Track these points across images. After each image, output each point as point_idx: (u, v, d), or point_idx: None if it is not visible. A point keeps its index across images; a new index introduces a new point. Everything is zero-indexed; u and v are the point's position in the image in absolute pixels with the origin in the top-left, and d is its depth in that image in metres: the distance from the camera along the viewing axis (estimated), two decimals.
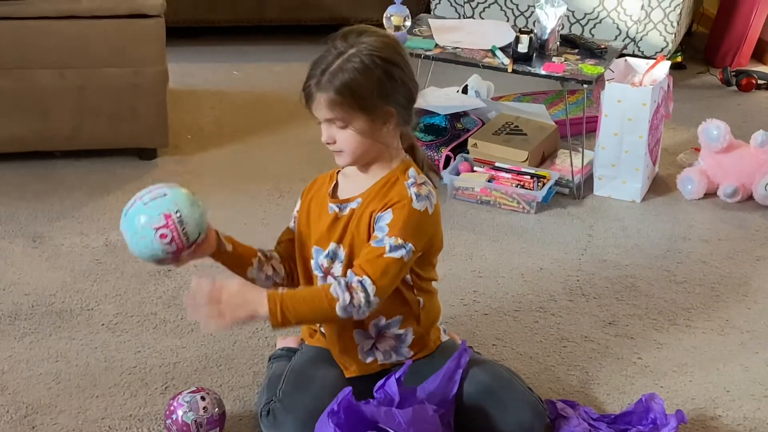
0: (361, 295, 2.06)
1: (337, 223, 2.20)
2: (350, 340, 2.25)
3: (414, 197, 2.11)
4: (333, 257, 2.21)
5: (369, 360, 2.27)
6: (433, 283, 2.32)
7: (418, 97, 2.16)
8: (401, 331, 2.25)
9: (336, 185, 2.25)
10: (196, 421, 2.19)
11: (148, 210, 2.12)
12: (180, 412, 2.20)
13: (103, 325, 2.66)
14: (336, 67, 2.06)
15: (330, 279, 2.21)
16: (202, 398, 2.22)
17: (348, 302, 2.06)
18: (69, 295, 2.79)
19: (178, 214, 2.12)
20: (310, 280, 2.27)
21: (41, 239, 3.06)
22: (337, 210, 2.20)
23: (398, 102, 2.11)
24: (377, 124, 2.10)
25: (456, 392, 2.16)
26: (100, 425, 2.29)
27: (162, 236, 2.11)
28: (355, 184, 2.20)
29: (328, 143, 2.13)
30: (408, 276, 2.19)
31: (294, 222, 2.32)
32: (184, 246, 2.12)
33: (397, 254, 2.09)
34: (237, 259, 2.24)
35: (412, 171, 2.17)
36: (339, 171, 2.25)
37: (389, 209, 2.11)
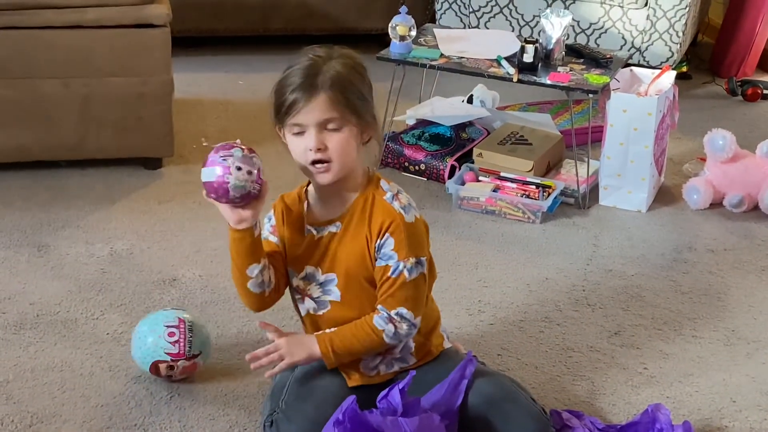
0: (404, 324, 2.15)
1: (314, 245, 2.19)
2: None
3: (403, 212, 2.13)
4: (310, 279, 2.22)
5: (372, 373, 2.27)
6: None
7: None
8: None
9: (308, 206, 2.23)
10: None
11: (167, 311, 2.46)
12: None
13: (108, 334, 2.66)
14: (329, 66, 2.07)
15: (307, 301, 2.23)
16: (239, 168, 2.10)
17: (393, 332, 2.16)
18: (74, 305, 2.78)
19: (190, 324, 2.42)
20: (293, 297, 2.31)
21: (46, 249, 3.06)
22: (314, 232, 2.19)
23: (375, 114, 2.14)
24: (364, 130, 2.12)
25: (460, 403, 2.16)
26: None
27: (170, 334, 2.39)
28: (328, 206, 2.19)
29: (319, 149, 2.07)
30: None
31: (273, 234, 2.25)
32: (184, 353, 2.39)
33: (416, 274, 2.14)
34: (254, 248, 2.17)
35: (383, 183, 2.18)
36: (306, 190, 2.23)
37: (386, 235, 2.12)
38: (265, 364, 2.21)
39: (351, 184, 2.16)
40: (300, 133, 2.09)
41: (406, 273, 2.13)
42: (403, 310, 2.14)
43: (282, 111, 2.09)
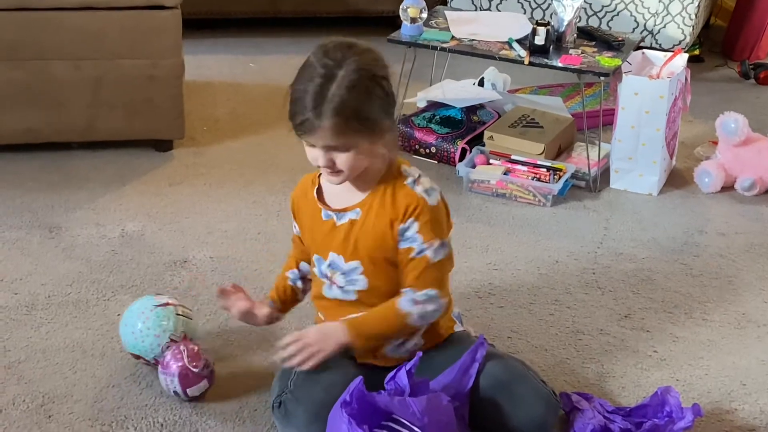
0: (429, 305, 2.16)
1: (335, 232, 2.19)
2: None
3: (425, 196, 2.13)
4: (334, 267, 2.22)
5: (380, 357, 2.27)
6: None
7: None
8: None
9: (320, 189, 2.24)
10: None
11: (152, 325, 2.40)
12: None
13: (119, 315, 2.66)
14: (334, 92, 2.00)
15: (335, 288, 2.23)
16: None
17: (419, 314, 2.16)
18: (85, 286, 2.80)
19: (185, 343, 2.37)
20: (318, 282, 2.30)
21: (58, 230, 3.07)
22: (334, 218, 2.20)
23: (392, 114, 2.10)
24: (376, 140, 2.09)
25: (471, 386, 2.16)
26: (115, 414, 2.30)
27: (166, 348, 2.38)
28: (347, 192, 2.18)
29: (327, 167, 2.09)
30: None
31: (296, 230, 2.33)
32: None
33: (441, 256, 2.15)
34: (291, 301, 2.43)
35: (404, 168, 2.17)
36: (320, 174, 2.22)
37: (410, 219, 2.12)
38: (300, 360, 2.15)
39: (371, 174, 2.16)
40: (312, 145, 2.09)
41: (430, 254, 2.13)
42: (431, 292, 2.15)
43: (294, 124, 2.07)
